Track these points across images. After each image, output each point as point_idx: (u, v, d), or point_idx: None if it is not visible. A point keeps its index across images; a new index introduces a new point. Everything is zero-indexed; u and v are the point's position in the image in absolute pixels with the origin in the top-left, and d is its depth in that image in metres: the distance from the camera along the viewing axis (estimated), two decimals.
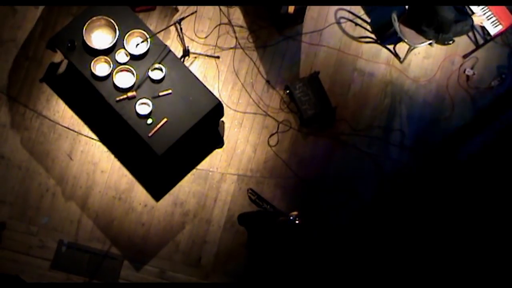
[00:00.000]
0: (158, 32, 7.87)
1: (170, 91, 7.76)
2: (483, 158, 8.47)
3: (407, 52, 8.50)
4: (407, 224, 8.31)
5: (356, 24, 8.84)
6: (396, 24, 8.11)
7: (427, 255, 8.25)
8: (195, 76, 7.85)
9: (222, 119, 8.31)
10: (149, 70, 7.78)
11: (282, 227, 7.00)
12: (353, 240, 8.32)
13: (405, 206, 8.37)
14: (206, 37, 8.77)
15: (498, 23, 8.21)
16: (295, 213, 7.25)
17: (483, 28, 8.41)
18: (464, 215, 8.32)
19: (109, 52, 7.83)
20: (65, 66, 8.68)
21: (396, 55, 8.74)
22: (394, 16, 8.15)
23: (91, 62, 7.76)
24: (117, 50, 7.84)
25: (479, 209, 8.34)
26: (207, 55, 8.70)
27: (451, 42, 8.15)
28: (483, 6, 8.18)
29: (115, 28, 7.81)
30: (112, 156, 8.50)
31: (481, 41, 8.68)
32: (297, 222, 7.16)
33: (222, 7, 8.79)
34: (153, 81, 7.77)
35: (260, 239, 7.55)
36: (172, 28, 8.70)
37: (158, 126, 7.62)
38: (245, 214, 8.00)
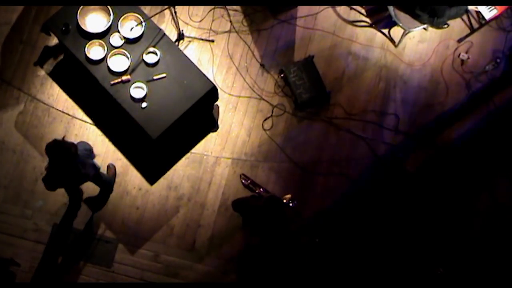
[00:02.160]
0: (153, 16, 7.84)
1: (164, 74, 7.75)
2: (477, 143, 8.48)
3: (402, 36, 8.50)
4: (401, 208, 8.33)
5: (351, 8, 8.82)
6: (391, 8, 8.10)
7: (420, 238, 8.28)
8: (189, 60, 7.85)
9: (216, 102, 8.30)
10: (144, 54, 7.77)
11: (270, 204, 7.01)
12: (347, 223, 8.34)
13: (399, 190, 8.38)
14: (200, 21, 8.75)
15: (493, 7, 8.20)
16: (288, 196, 7.28)
17: (478, 12, 8.40)
18: (458, 199, 8.35)
19: (103, 35, 7.82)
20: (59, 50, 8.67)
21: (390, 39, 8.74)
22: None
23: (85, 45, 7.75)
24: (112, 33, 7.83)
25: (473, 193, 8.37)
26: (202, 39, 8.69)
27: (445, 26, 8.14)
28: None
29: (110, 12, 7.79)
30: (106, 140, 8.50)
31: (476, 25, 8.67)
32: (291, 205, 7.19)
33: None
34: (147, 64, 7.76)
35: (254, 223, 7.56)
36: (167, 12, 8.68)
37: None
38: (239, 200, 8.02)
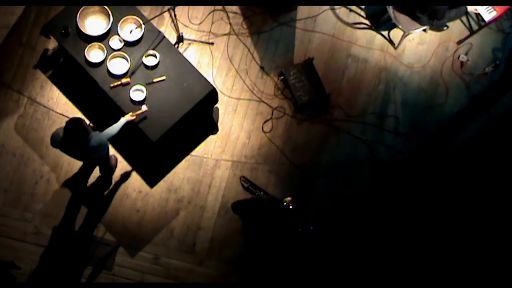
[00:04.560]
0: (152, 18, 7.84)
1: (164, 77, 7.75)
2: (477, 145, 8.48)
3: (402, 38, 8.50)
4: (401, 210, 8.33)
5: (350, 10, 8.82)
6: (391, 10, 8.10)
7: (422, 242, 8.28)
8: (189, 62, 7.85)
9: (216, 105, 8.31)
10: (143, 57, 7.77)
11: (272, 206, 7.00)
12: (347, 226, 8.34)
13: (399, 192, 8.38)
14: (200, 23, 8.75)
15: (492, 9, 8.20)
16: (288, 199, 7.27)
17: (477, 14, 8.40)
18: (458, 201, 8.35)
19: (103, 38, 7.82)
20: (59, 53, 8.67)
21: (390, 41, 8.74)
22: None
23: (85, 48, 7.75)
24: (111, 36, 7.83)
25: (473, 195, 8.36)
26: (201, 42, 8.69)
27: (445, 28, 8.14)
28: None
29: (109, 14, 7.79)
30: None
31: (475, 27, 8.68)
32: (290, 207, 7.18)
33: None
34: (147, 67, 7.77)
35: (254, 226, 7.56)
36: (166, 14, 8.68)
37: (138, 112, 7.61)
38: (239, 202, 8.01)
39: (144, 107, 7.60)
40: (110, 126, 7.30)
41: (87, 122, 7.16)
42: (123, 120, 7.38)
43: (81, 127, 6.72)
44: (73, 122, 6.74)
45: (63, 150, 7.18)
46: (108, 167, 8.20)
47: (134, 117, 7.46)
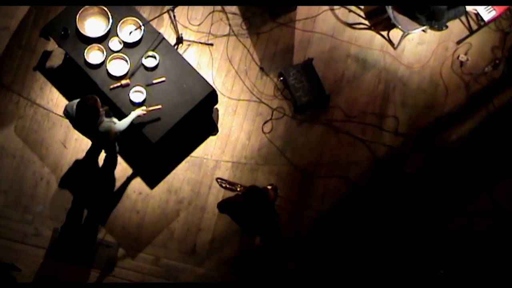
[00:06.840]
0: (151, 20, 7.85)
1: (163, 78, 7.75)
2: (476, 145, 8.48)
3: (401, 38, 8.50)
4: (400, 210, 8.32)
5: (350, 10, 8.82)
6: (390, 10, 8.11)
7: (422, 240, 8.28)
8: (189, 63, 7.85)
9: (216, 106, 8.31)
10: (143, 58, 7.77)
11: (251, 193, 6.95)
12: (347, 226, 8.34)
13: (399, 193, 8.38)
14: (199, 25, 8.75)
15: (491, 9, 8.20)
16: (269, 187, 7.31)
17: (476, 14, 8.39)
18: (458, 201, 8.35)
19: (102, 40, 7.83)
20: (58, 55, 8.67)
21: (389, 41, 8.73)
22: None
23: (84, 50, 7.75)
24: (111, 38, 7.84)
25: (473, 195, 8.37)
26: (201, 43, 8.69)
27: (444, 28, 8.14)
28: None
29: (108, 16, 7.80)
30: None
31: (474, 27, 8.67)
32: (269, 187, 7.22)
33: None
34: (146, 68, 7.77)
35: (243, 219, 7.49)
36: (166, 16, 8.69)
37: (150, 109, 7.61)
38: (223, 201, 7.97)
39: (158, 106, 7.61)
40: (121, 120, 7.31)
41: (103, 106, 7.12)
42: (133, 114, 7.38)
43: (94, 107, 6.72)
44: (87, 99, 6.74)
45: (72, 123, 7.18)
46: (112, 158, 8.24)
47: (145, 112, 7.45)
